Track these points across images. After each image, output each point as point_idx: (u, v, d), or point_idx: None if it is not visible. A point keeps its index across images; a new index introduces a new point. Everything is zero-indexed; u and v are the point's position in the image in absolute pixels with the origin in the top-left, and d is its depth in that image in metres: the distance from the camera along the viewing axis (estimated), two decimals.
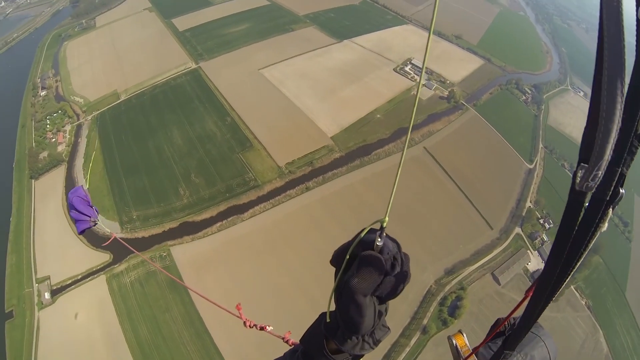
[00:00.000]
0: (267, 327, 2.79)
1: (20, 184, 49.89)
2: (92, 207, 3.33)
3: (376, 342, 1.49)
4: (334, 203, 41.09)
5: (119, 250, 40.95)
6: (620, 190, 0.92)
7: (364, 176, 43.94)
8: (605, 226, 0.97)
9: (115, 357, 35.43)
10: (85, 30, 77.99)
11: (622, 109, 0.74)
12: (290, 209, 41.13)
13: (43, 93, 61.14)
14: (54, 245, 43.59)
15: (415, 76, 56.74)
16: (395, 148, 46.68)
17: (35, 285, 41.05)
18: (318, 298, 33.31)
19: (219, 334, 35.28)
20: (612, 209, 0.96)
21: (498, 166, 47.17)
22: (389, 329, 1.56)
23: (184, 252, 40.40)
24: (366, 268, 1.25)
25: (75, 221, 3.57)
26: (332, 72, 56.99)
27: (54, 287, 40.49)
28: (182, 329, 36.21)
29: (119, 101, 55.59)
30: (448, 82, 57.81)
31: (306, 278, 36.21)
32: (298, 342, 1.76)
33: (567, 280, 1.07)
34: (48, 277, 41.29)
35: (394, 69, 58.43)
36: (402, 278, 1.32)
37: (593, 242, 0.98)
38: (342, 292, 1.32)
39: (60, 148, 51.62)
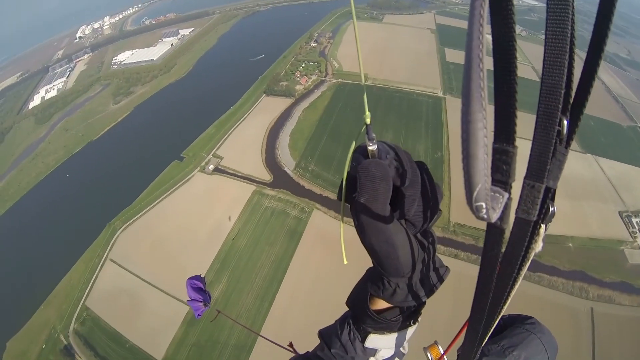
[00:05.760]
0: None
1: (255, 90, 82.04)
2: (205, 292, 4.40)
3: (433, 286, 1.63)
4: (464, 286, 47.27)
5: (279, 180, 61.25)
6: (550, 208, 1.05)
7: None
8: (539, 246, 1.11)
9: (208, 242, 54.12)
10: (372, 19, 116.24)
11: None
12: None
13: (313, 44, 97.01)
14: (242, 142, 69.02)
15: (639, 233, 57.36)
16: (563, 287, 49.60)
17: (210, 156, 66.67)
18: None
19: (284, 296, 48.38)
20: (546, 227, 1.10)
21: None
22: (447, 268, 1.71)
23: (320, 220, 55.92)
24: (367, 178, 1.28)
25: (192, 307, 5.15)
26: None
27: (219, 166, 64.86)
28: (266, 265, 51.41)
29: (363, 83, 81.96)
30: None
31: None
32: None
33: (503, 309, 1.22)
34: (221, 158, 66.10)
35: (619, 212, 61.08)
36: (415, 182, 1.38)
37: (527, 264, 1.10)
38: (357, 223, 1.38)
39: (298, 87, 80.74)
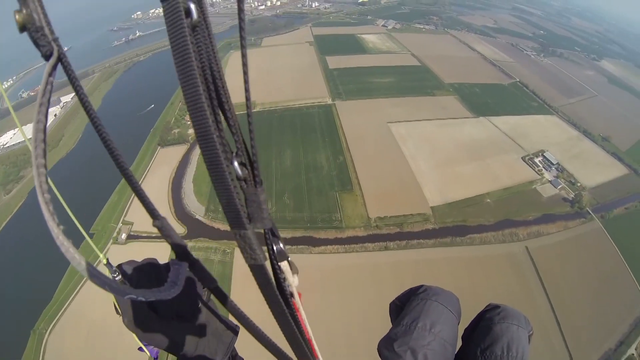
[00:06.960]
0: None
1: (149, 145, 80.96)
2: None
3: (226, 348, 1.89)
4: (405, 272, 51.71)
5: (194, 229, 62.01)
6: (275, 247, 1.10)
7: (449, 256, 53.55)
8: (294, 281, 1.20)
9: None
10: (251, 46, 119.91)
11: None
12: (360, 261, 53.74)
13: None
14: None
15: (544, 170, 68.16)
16: (495, 239, 55.68)
17: (120, 224, 65.40)
18: (344, 351, 43.98)
19: None
20: (289, 262, 1.18)
21: (608, 295, 49.14)
22: (236, 326, 1.87)
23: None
24: (118, 300, 1.57)
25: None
26: (456, 144, 73.27)
27: (132, 233, 63.69)
28: None
29: (253, 110, 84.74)
30: (578, 184, 66.85)
31: (342, 329, 47.01)
32: None
33: (303, 336, 1.36)
34: (132, 223, 65.06)
35: (522, 157, 71.80)
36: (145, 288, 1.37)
37: (296, 296, 1.21)
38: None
39: (190, 131, 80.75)
